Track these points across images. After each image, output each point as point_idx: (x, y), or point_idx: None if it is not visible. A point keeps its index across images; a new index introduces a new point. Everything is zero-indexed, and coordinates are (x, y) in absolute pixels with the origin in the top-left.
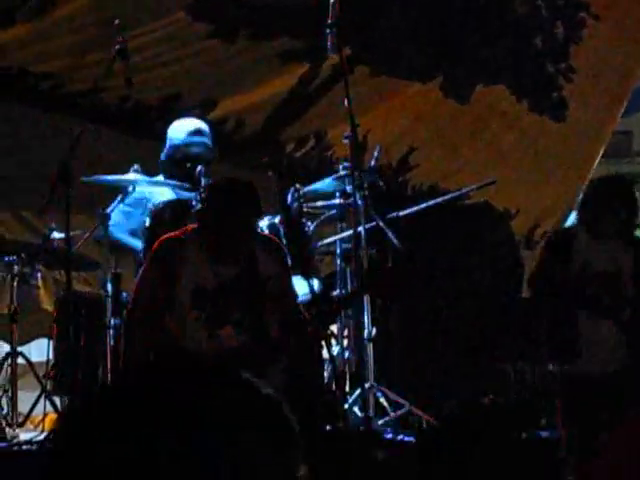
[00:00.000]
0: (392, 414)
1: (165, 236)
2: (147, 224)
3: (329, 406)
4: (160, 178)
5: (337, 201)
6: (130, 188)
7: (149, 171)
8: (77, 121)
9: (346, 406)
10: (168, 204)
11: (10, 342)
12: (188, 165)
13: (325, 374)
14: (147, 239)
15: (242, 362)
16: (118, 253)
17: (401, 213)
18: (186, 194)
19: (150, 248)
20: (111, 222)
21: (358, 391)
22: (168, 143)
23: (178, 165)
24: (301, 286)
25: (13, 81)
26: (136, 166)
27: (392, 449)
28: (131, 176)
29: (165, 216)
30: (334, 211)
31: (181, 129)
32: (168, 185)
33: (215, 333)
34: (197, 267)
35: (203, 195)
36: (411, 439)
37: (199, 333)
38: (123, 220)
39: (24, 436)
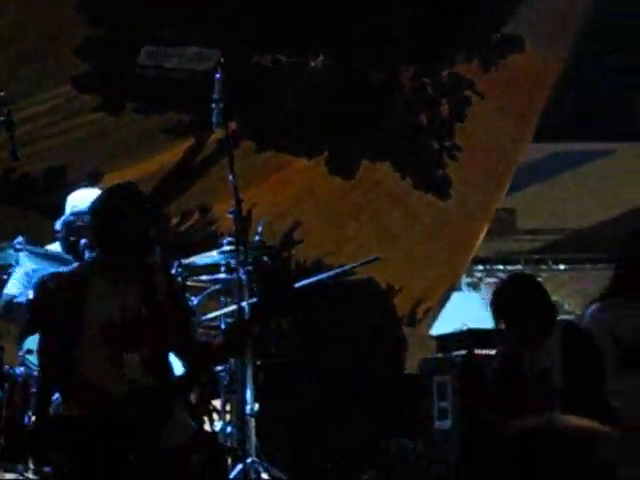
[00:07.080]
0: None
1: (52, 276)
2: (31, 296)
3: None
4: (55, 247)
5: (221, 275)
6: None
7: (34, 243)
8: None
9: None
10: (54, 275)
11: None
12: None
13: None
14: (32, 312)
15: (150, 401)
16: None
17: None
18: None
19: (35, 322)
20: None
21: (240, 466)
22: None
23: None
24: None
25: None
26: (20, 238)
27: None
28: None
29: (50, 286)
30: (218, 285)
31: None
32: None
33: (121, 365)
34: (102, 300)
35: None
36: None
37: (108, 370)
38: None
39: None
